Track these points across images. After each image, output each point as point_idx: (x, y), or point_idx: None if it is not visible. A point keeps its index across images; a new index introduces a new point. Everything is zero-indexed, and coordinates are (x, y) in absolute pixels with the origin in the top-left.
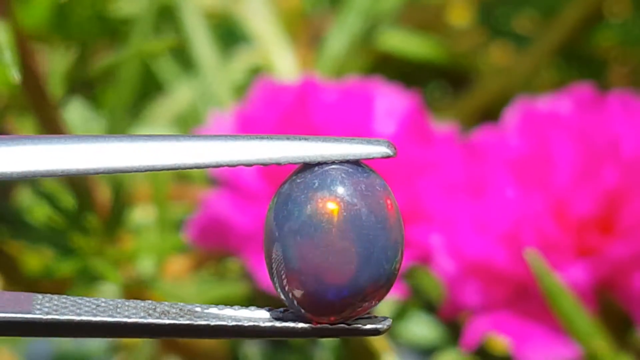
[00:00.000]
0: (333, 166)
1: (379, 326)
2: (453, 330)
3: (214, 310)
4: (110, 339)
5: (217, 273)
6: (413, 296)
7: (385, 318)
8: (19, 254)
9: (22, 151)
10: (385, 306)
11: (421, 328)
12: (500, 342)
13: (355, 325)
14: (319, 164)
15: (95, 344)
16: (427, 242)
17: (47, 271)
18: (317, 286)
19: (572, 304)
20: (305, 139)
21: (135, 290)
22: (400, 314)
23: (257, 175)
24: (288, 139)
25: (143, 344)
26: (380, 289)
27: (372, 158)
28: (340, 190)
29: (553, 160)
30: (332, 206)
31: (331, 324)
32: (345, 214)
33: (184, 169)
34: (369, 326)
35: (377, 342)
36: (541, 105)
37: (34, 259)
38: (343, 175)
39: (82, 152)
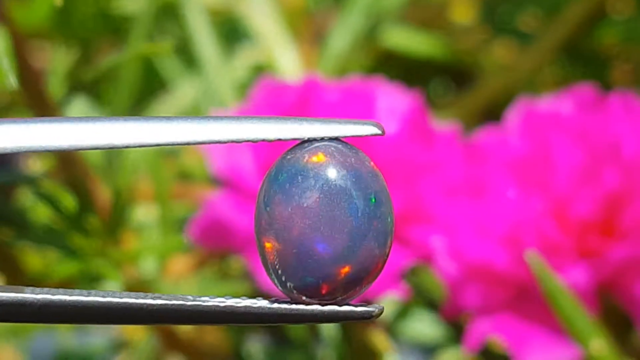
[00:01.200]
0: (323, 142)
1: (370, 309)
2: (455, 329)
3: (205, 298)
4: (112, 338)
5: (219, 272)
6: (415, 295)
7: (378, 305)
8: (20, 254)
9: (14, 129)
10: (388, 305)
11: (423, 326)
12: (502, 342)
13: (347, 307)
14: (309, 140)
15: (98, 342)
16: (428, 241)
17: (49, 272)
18: (308, 256)
19: (573, 305)
20: (296, 120)
21: (137, 290)
22: (402, 313)
23: (258, 175)
24: (279, 119)
25: (145, 342)
26: (370, 265)
27: (362, 136)
28: (331, 161)
29: (554, 162)
30: (323, 175)
31: (322, 304)
32: (336, 182)
33: (178, 145)
34: (360, 309)
35: (379, 340)
36: (542, 105)
37: (36, 259)
38: (332, 148)
39: (74, 130)
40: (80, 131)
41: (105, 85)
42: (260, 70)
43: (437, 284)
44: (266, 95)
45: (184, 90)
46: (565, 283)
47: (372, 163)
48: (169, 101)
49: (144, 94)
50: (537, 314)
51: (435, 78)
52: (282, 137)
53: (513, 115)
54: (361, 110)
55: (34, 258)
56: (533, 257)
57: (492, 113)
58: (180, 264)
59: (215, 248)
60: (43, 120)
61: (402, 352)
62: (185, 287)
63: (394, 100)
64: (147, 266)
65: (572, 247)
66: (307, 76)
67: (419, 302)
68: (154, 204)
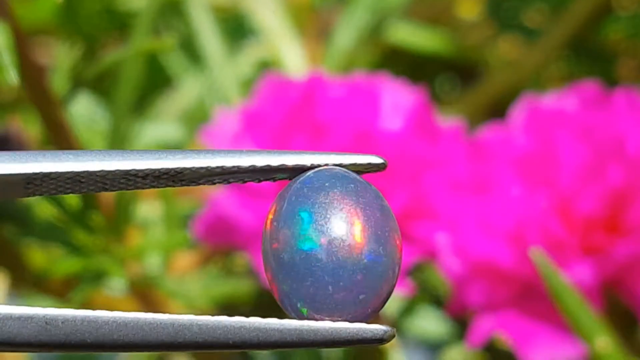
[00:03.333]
0: (325, 167)
1: (384, 328)
2: (461, 325)
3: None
4: None
5: (223, 269)
6: (420, 291)
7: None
8: (24, 251)
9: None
10: (393, 302)
11: (429, 323)
12: (507, 339)
13: (359, 326)
14: (312, 167)
15: None
16: (433, 238)
17: (53, 269)
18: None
19: (578, 302)
20: (294, 152)
21: (141, 287)
22: (407, 310)
23: None
24: (283, 152)
25: None
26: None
27: (364, 165)
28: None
29: (558, 159)
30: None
31: (333, 320)
32: (341, 196)
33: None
34: (374, 326)
35: None
36: (547, 102)
37: (40, 256)
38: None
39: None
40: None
41: (109, 81)
42: (265, 66)
43: (442, 281)
44: (271, 92)
45: (189, 86)
46: (569, 280)
47: (374, 190)
48: (173, 97)
49: (148, 90)
50: (542, 311)
51: (441, 74)
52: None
53: (518, 112)
54: (366, 106)
55: (38, 255)
56: (537, 254)
57: (497, 109)
58: (184, 260)
59: (220, 244)
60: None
61: (407, 348)
62: (189, 283)
63: (399, 97)
64: (152, 263)
65: (576, 244)
66: (312, 72)
67: (424, 299)
68: (158, 201)
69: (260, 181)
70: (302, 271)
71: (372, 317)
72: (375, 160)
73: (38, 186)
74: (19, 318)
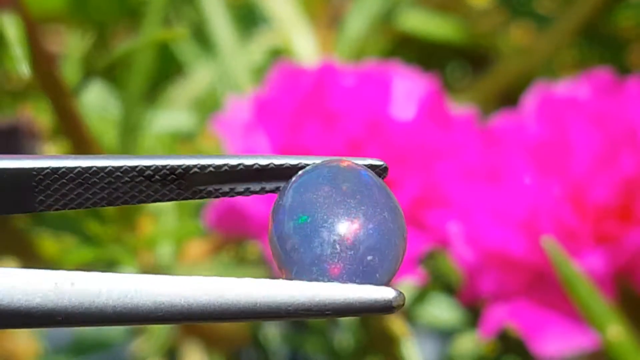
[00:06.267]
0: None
1: (395, 291)
2: (473, 313)
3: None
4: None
5: (235, 257)
6: (433, 279)
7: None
8: (36, 240)
9: None
10: (405, 290)
11: (441, 311)
12: (518, 328)
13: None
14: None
15: (114, 329)
16: (445, 226)
17: (65, 258)
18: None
19: (590, 291)
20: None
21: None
22: (419, 298)
23: None
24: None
25: (162, 328)
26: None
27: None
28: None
29: (571, 147)
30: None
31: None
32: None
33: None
34: (383, 288)
35: (397, 325)
36: (559, 90)
37: (52, 245)
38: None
39: None
40: None
41: (120, 70)
42: (276, 54)
43: (455, 269)
44: (283, 80)
45: (200, 74)
46: (581, 269)
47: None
48: (185, 85)
49: (160, 78)
50: (554, 300)
51: (453, 61)
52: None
53: (530, 100)
54: (378, 94)
55: (50, 244)
56: (550, 243)
57: (509, 97)
58: (196, 249)
59: (232, 233)
60: None
61: (419, 336)
62: (201, 271)
63: (410, 84)
64: (164, 251)
65: (588, 232)
66: (323, 60)
67: (436, 287)
68: None
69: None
70: (307, 239)
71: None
72: (376, 162)
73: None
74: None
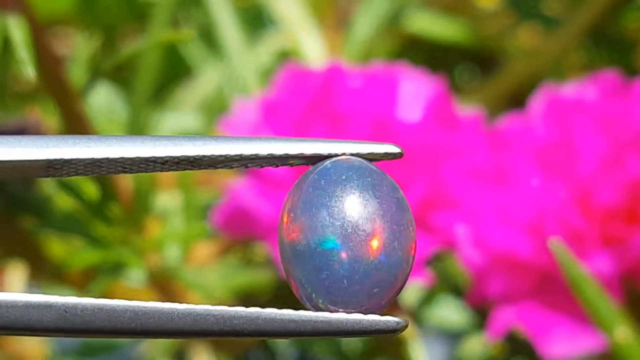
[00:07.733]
0: (342, 157)
1: (397, 319)
2: (481, 315)
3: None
4: None
5: (243, 259)
6: (440, 281)
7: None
8: (43, 243)
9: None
10: (412, 292)
11: (448, 313)
12: (526, 330)
13: (372, 317)
14: (329, 156)
15: None
16: (452, 228)
17: (72, 260)
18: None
19: (597, 293)
20: (314, 140)
21: (160, 278)
22: (427, 300)
23: None
24: (301, 139)
25: None
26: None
27: (381, 154)
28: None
29: (578, 149)
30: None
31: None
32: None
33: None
34: (387, 317)
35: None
36: (566, 92)
37: (59, 248)
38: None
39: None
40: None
41: (128, 71)
42: (284, 56)
43: (462, 271)
44: (290, 82)
45: (208, 76)
46: (589, 271)
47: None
48: (192, 87)
49: (167, 80)
50: (561, 302)
51: (460, 63)
52: (304, 152)
53: (537, 102)
54: (385, 96)
55: (57, 246)
56: (557, 245)
57: (517, 98)
58: (203, 251)
59: (239, 235)
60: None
61: (426, 338)
62: (208, 273)
63: (418, 86)
64: (171, 253)
65: (595, 234)
66: (331, 62)
67: (443, 289)
68: (178, 191)
69: (277, 166)
70: (318, 264)
71: (386, 308)
72: (393, 149)
73: (58, 169)
74: (39, 306)
